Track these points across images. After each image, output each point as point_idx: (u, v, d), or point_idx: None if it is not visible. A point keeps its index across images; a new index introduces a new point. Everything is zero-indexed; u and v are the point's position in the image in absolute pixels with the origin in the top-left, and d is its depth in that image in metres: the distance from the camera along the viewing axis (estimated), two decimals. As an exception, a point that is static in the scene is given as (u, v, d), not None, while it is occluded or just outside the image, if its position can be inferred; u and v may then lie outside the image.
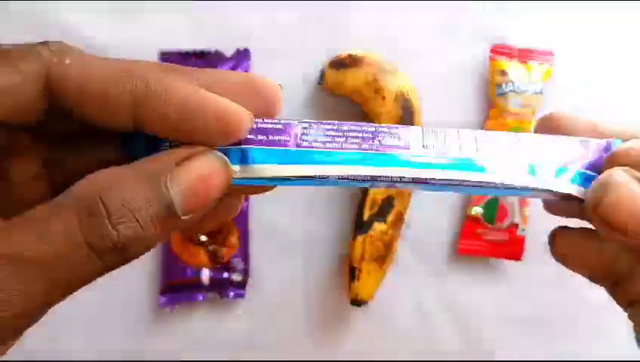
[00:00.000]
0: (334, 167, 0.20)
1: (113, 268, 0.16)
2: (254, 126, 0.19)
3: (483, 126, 0.48)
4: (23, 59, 0.16)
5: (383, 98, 0.44)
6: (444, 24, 0.48)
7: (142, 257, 0.51)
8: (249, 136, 0.19)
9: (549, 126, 0.22)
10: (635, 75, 0.49)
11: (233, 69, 0.46)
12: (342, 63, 0.45)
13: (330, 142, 0.20)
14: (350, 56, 0.45)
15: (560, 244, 0.22)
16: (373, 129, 0.21)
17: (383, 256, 0.45)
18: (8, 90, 0.16)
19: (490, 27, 0.48)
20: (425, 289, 0.49)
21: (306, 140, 0.20)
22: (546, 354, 0.49)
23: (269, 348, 0.48)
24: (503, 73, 0.47)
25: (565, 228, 0.22)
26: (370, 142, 0.21)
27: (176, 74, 0.17)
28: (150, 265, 0.47)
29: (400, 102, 0.44)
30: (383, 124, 0.21)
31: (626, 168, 0.19)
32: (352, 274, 0.45)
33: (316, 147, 0.20)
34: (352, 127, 0.21)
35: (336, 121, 0.21)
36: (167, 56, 0.45)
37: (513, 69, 0.47)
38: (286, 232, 0.48)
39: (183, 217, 0.16)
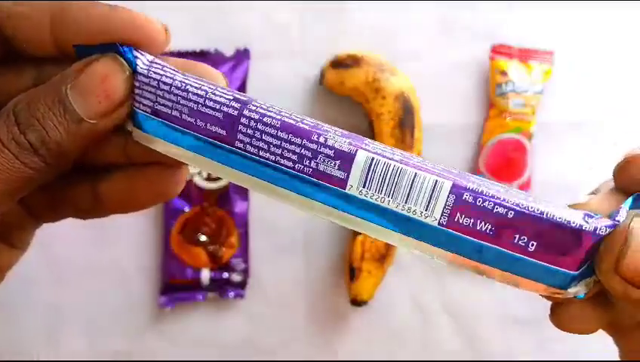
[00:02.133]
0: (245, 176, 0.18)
1: (40, 170, 0.18)
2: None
3: (483, 126, 0.48)
4: None
5: (383, 98, 0.44)
6: (444, 24, 0.48)
7: (142, 257, 0.51)
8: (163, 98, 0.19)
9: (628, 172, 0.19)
10: (635, 75, 0.49)
11: (233, 68, 0.46)
12: (342, 63, 0.45)
13: (264, 149, 0.18)
14: (350, 56, 0.45)
15: (562, 313, 0.20)
16: (315, 146, 0.18)
17: (383, 256, 0.45)
18: None
19: (490, 27, 0.48)
20: (425, 289, 0.49)
21: (242, 140, 0.18)
22: (545, 354, 0.49)
23: (269, 348, 0.48)
24: (503, 73, 0.47)
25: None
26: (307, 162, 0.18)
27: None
28: (150, 264, 0.47)
29: (400, 101, 0.44)
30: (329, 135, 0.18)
31: None
32: (352, 274, 0.45)
33: (248, 151, 0.18)
34: (293, 137, 0.18)
35: (290, 121, 0.18)
36: (166, 56, 0.45)
37: (513, 69, 0.47)
38: (286, 232, 0.48)
39: (89, 120, 0.18)
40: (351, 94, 0.46)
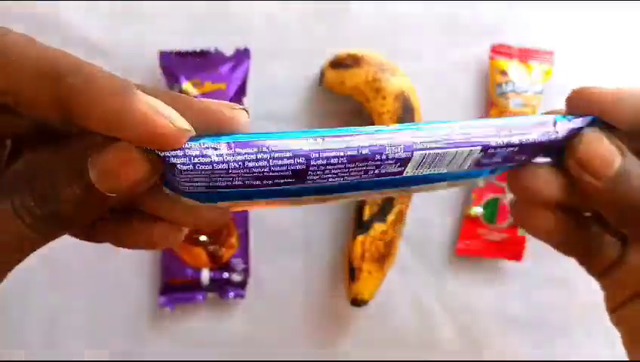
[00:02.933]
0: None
1: (46, 236, 0.18)
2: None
3: (483, 126, 0.48)
4: None
5: (384, 98, 0.44)
6: (445, 24, 0.48)
7: (142, 257, 0.51)
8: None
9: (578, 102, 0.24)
10: (635, 75, 0.49)
11: (233, 68, 0.46)
12: (342, 63, 0.45)
13: (332, 177, 0.20)
14: (350, 56, 0.45)
15: (520, 214, 0.25)
16: (378, 163, 0.20)
17: (383, 256, 0.45)
18: None
19: (490, 27, 0.48)
20: (425, 289, 0.49)
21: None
22: (545, 354, 0.49)
23: (269, 348, 0.48)
24: (503, 73, 0.47)
25: (524, 201, 0.25)
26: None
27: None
28: (150, 265, 0.47)
29: (400, 101, 0.44)
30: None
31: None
32: (352, 274, 0.45)
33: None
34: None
35: (353, 153, 0.19)
36: (167, 56, 0.45)
37: (513, 68, 0.47)
38: (286, 232, 0.48)
39: (108, 195, 0.18)
40: (351, 94, 0.46)
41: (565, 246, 0.25)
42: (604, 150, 0.21)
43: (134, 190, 0.18)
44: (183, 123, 0.18)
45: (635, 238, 0.22)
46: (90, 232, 0.22)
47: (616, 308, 0.24)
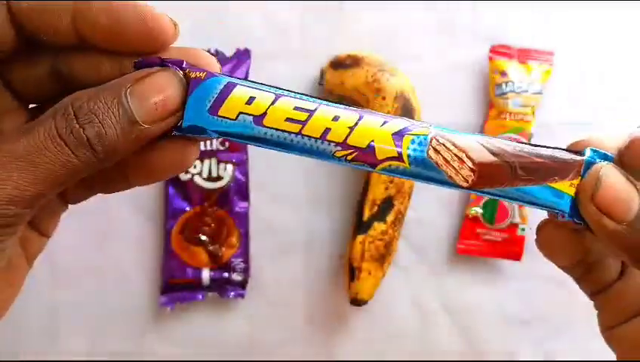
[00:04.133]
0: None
1: (90, 165, 0.19)
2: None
3: (483, 126, 0.48)
4: None
5: (383, 98, 0.44)
6: (444, 24, 0.48)
7: (142, 257, 0.51)
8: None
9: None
10: (635, 75, 0.49)
11: (234, 69, 0.46)
12: (342, 63, 0.45)
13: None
14: (350, 56, 0.45)
15: (545, 235, 0.24)
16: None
17: (383, 256, 0.45)
18: None
19: (490, 27, 0.48)
20: (425, 289, 0.49)
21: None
22: (545, 354, 0.49)
23: (269, 348, 0.48)
24: (503, 73, 0.47)
25: (551, 221, 0.24)
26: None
27: None
28: (150, 264, 0.47)
29: (400, 102, 0.45)
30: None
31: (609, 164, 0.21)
32: (352, 274, 0.45)
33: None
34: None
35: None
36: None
37: (513, 69, 0.47)
38: (286, 232, 0.48)
39: (144, 125, 0.19)
40: (351, 94, 0.46)
41: (573, 266, 0.24)
42: (625, 193, 0.20)
43: (165, 121, 0.20)
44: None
45: None
46: (122, 177, 0.23)
47: (611, 327, 0.24)
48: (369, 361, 0.49)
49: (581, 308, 0.48)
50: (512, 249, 0.48)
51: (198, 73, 0.21)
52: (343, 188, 0.48)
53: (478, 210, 0.48)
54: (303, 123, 0.20)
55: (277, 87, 0.21)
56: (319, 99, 0.21)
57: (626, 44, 0.49)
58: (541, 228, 0.24)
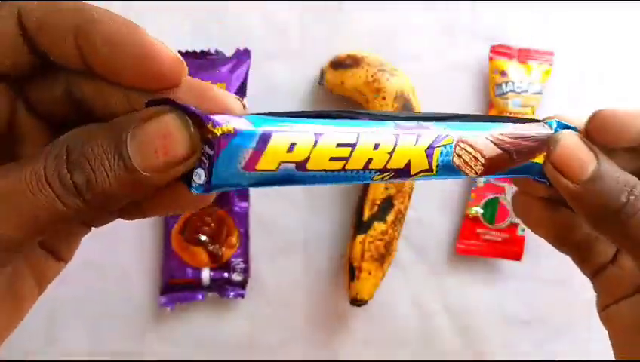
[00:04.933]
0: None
1: (80, 211, 0.17)
2: None
3: (483, 126, 0.48)
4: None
5: (383, 98, 0.44)
6: (444, 24, 0.48)
7: (142, 257, 0.51)
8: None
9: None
10: (635, 75, 0.49)
11: (233, 69, 0.46)
12: (342, 63, 0.45)
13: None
14: (350, 56, 0.45)
15: (519, 206, 0.26)
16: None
17: (383, 256, 0.45)
18: None
19: (490, 27, 0.48)
20: (425, 289, 0.49)
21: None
22: (545, 354, 0.49)
23: (269, 348, 0.48)
24: (503, 73, 0.47)
25: (524, 192, 0.26)
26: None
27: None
28: (150, 264, 0.47)
29: (400, 102, 0.45)
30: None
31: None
32: (352, 274, 0.45)
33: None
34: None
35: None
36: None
37: (513, 69, 0.47)
38: (286, 232, 0.48)
39: (143, 173, 0.17)
40: (351, 94, 0.46)
41: (561, 243, 0.25)
42: (579, 153, 0.22)
43: (170, 171, 0.18)
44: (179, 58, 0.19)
45: (615, 240, 0.23)
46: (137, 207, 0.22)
47: (605, 307, 0.25)
48: (369, 361, 0.49)
49: (581, 308, 0.48)
50: (512, 249, 0.48)
51: (224, 128, 0.18)
52: (342, 188, 0.48)
53: (478, 210, 0.48)
54: (347, 159, 0.19)
55: (312, 117, 0.20)
56: (351, 117, 0.20)
57: (625, 44, 0.49)
58: (515, 198, 0.26)
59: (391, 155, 0.20)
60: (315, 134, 0.19)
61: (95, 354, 0.47)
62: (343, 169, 0.19)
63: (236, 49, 0.47)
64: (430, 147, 0.21)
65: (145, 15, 0.46)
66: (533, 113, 0.47)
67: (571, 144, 0.22)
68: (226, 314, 0.48)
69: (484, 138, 0.22)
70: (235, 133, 0.18)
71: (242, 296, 0.47)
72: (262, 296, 0.48)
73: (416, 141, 0.20)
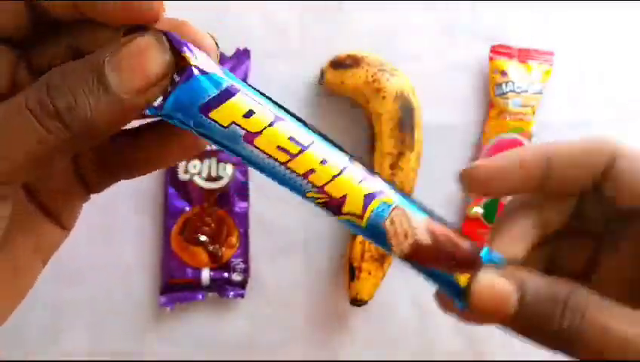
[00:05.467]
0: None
1: (65, 141, 0.18)
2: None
3: (483, 126, 0.48)
4: None
5: (383, 98, 0.44)
6: (444, 24, 0.48)
7: (142, 257, 0.51)
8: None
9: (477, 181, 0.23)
10: (635, 75, 0.49)
11: (233, 68, 0.46)
12: (342, 63, 0.45)
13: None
14: (350, 56, 0.45)
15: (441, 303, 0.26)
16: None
17: (383, 256, 0.45)
18: None
19: (490, 27, 0.48)
20: (425, 290, 0.49)
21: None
22: (545, 354, 0.49)
23: (269, 348, 0.48)
24: (503, 73, 0.47)
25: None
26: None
27: None
28: (150, 264, 0.47)
29: (400, 102, 0.44)
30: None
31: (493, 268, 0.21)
32: (352, 274, 0.45)
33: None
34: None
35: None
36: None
37: (513, 69, 0.47)
38: (286, 232, 0.48)
39: (123, 95, 0.17)
40: (351, 94, 0.46)
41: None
42: (496, 293, 0.21)
43: (147, 92, 0.18)
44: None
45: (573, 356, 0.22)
46: (101, 157, 0.22)
47: None
48: (369, 361, 0.49)
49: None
50: (512, 249, 0.48)
51: (199, 61, 0.19)
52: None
53: (478, 210, 0.48)
54: (293, 156, 0.20)
55: (279, 105, 0.20)
56: (316, 132, 0.20)
57: (625, 44, 0.49)
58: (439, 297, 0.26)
59: (333, 178, 0.20)
60: (276, 116, 0.20)
61: (95, 354, 0.47)
62: (285, 165, 0.20)
63: (236, 49, 0.47)
64: (371, 195, 0.20)
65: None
66: (534, 113, 0.47)
67: (485, 287, 0.21)
68: (226, 314, 0.48)
69: (423, 219, 0.21)
70: (206, 73, 0.18)
71: (242, 296, 0.47)
72: (262, 296, 0.48)
73: (361, 181, 0.20)
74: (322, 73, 0.46)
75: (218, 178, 0.46)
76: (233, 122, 0.19)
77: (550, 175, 0.22)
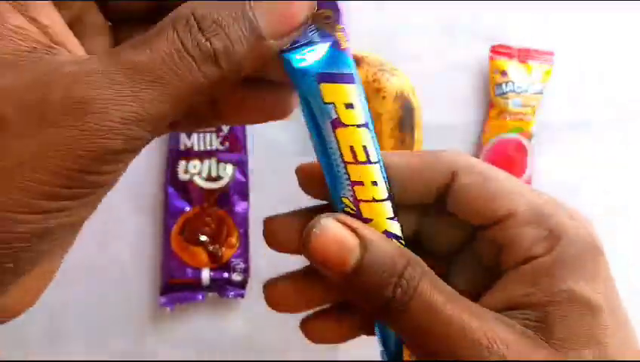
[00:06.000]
0: None
1: (213, 83, 0.17)
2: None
3: (483, 126, 0.48)
4: None
5: (383, 98, 0.44)
6: (444, 24, 0.48)
7: (142, 257, 0.51)
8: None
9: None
10: (634, 75, 0.49)
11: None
12: (342, 63, 0.45)
13: None
14: (350, 56, 0.45)
15: (272, 295, 0.26)
16: None
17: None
18: None
19: (490, 27, 0.48)
20: (425, 289, 0.49)
21: None
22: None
23: (269, 348, 0.48)
24: (503, 73, 0.47)
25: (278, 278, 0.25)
26: None
27: None
28: (150, 265, 0.47)
29: (400, 102, 0.44)
30: None
31: (335, 215, 0.20)
32: (352, 274, 0.45)
33: None
34: None
35: None
36: None
37: (513, 68, 0.47)
38: (286, 232, 0.48)
39: (269, 40, 0.17)
40: (351, 94, 0.46)
41: None
42: (338, 243, 0.19)
43: (295, 33, 0.18)
44: None
45: (396, 332, 0.21)
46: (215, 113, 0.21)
47: None
48: (369, 361, 0.49)
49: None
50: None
51: (347, 44, 0.21)
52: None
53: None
54: (356, 161, 0.20)
55: (370, 118, 0.21)
56: (381, 160, 0.21)
57: (625, 44, 0.49)
58: (267, 288, 0.27)
59: (371, 200, 0.20)
60: (366, 122, 0.20)
61: (95, 354, 0.47)
62: (345, 163, 0.20)
63: (236, 49, 0.47)
64: (389, 233, 0.21)
65: (145, 15, 0.46)
66: (534, 113, 0.47)
67: (330, 230, 0.20)
68: (226, 314, 0.48)
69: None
70: (347, 51, 0.20)
71: (242, 296, 0.47)
72: (262, 296, 0.48)
73: (388, 218, 0.21)
74: (322, 73, 0.46)
75: (218, 178, 0.46)
76: (333, 103, 0.20)
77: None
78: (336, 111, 0.19)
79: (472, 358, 0.18)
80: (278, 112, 0.21)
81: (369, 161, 0.20)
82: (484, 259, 0.21)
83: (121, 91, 0.15)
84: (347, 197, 0.20)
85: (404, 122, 0.45)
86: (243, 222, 0.47)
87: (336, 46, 0.20)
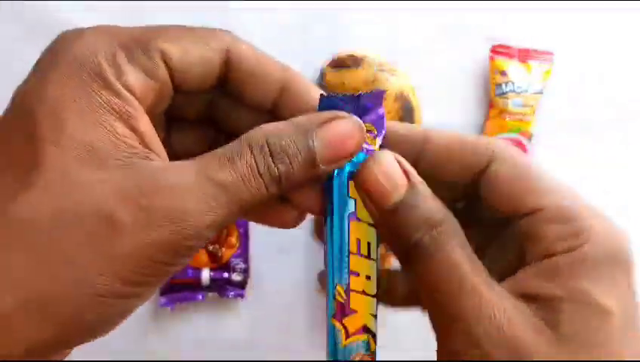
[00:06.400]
0: None
1: (271, 198, 0.20)
2: None
3: (483, 126, 0.48)
4: (213, 38, 0.22)
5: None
6: (444, 24, 0.48)
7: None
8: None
9: None
10: (634, 75, 0.49)
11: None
12: (342, 64, 0.45)
13: None
14: (350, 56, 0.45)
15: None
16: None
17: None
18: (201, 61, 0.21)
19: (490, 27, 0.48)
20: (425, 289, 0.49)
21: None
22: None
23: (269, 348, 0.48)
24: (503, 73, 0.47)
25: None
26: None
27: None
28: (150, 265, 0.47)
29: (400, 102, 0.45)
30: None
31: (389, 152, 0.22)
32: (352, 274, 0.45)
33: None
34: None
35: None
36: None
37: (513, 68, 0.47)
38: (286, 232, 0.48)
39: (321, 166, 0.20)
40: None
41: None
42: (388, 177, 0.21)
43: (345, 162, 0.21)
44: None
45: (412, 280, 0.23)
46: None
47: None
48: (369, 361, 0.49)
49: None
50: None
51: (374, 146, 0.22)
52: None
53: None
54: (359, 254, 0.23)
55: None
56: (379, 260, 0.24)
57: (625, 44, 0.49)
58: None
59: (361, 292, 0.24)
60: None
61: (95, 354, 0.47)
62: (349, 253, 0.23)
63: (236, 49, 0.47)
64: (367, 328, 0.25)
65: (145, 15, 0.46)
66: (534, 113, 0.47)
67: (385, 165, 0.21)
68: (226, 314, 0.48)
69: None
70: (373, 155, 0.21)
71: (242, 296, 0.47)
72: (262, 296, 0.48)
73: (372, 314, 0.25)
74: (322, 73, 0.46)
75: (218, 178, 0.47)
76: (355, 199, 0.22)
77: (424, 158, 0.22)
78: (355, 205, 0.22)
79: (473, 325, 0.19)
80: (288, 225, 0.25)
81: (370, 256, 0.23)
82: (507, 248, 0.22)
83: (209, 203, 0.19)
84: (342, 286, 0.23)
85: (405, 122, 0.45)
86: (243, 222, 0.47)
87: (370, 152, 0.22)
